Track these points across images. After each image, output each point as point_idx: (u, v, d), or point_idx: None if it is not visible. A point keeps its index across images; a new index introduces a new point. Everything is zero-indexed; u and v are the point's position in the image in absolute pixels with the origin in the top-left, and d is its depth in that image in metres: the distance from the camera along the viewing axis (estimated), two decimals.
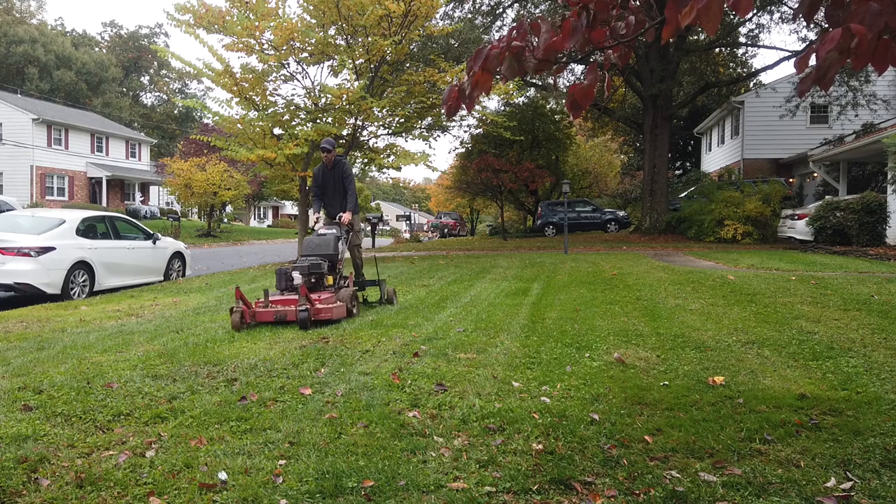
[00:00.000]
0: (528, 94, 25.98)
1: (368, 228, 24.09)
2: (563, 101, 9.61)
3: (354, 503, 2.52)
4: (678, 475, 2.71)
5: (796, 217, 17.92)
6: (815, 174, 21.53)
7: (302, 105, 15.27)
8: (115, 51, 63.37)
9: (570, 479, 2.69)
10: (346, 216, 7.43)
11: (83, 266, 9.89)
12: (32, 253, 9.18)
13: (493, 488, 2.63)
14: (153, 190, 44.29)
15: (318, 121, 14.53)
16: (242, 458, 2.93)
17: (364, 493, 2.59)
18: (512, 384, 4.10)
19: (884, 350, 4.90)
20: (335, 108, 14.18)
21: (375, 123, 15.87)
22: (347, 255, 7.69)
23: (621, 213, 28.77)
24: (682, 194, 25.37)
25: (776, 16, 21.55)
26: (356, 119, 14.87)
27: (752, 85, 27.10)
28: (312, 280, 6.63)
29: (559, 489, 2.63)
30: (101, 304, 8.67)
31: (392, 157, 16.49)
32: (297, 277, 6.48)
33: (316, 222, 7.56)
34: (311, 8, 13.99)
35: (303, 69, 15.26)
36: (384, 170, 23.58)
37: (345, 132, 14.96)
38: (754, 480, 2.65)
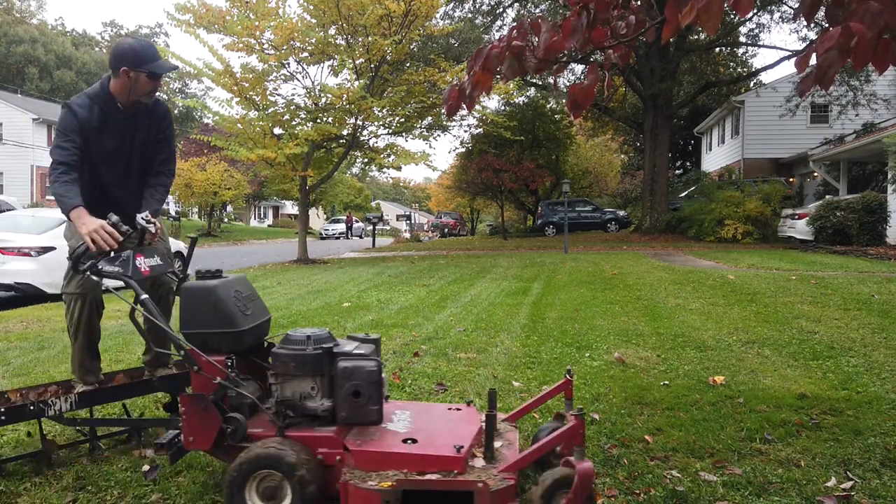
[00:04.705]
0: (528, 94, 26.00)
1: (369, 228, 23.93)
2: (564, 100, 9.60)
3: None
4: (678, 475, 2.71)
5: (796, 217, 17.92)
6: (816, 174, 21.52)
7: (302, 105, 15.28)
8: None
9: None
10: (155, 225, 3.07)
11: None
12: (33, 253, 9.17)
13: None
14: None
15: (319, 120, 14.54)
16: None
17: None
18: (512, 384, 4.10)
19: (884, 350, 4.89)
20: (335, 108, 14.19)
21: (375, 123, 15.88)
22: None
23: (621, 213, 28.78)
24: (683, 194, 25.38)
25: (776, 15, 21.57)
26: (356, 119, 14.88)
27: (752, 84, 27.11)
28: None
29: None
30: None
31: (392, 156, 16.51)
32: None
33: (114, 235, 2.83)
34: (311, 8, 14.00)
35: (303, 69, 15.27)
36: (384, 169, 23.57)
37: (345, 132, 14.97)
38: (754, 480, 2.65)
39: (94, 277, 2.67)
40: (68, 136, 3.02)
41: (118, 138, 3.17)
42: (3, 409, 2.63)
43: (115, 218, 2.84)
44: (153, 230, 3.01)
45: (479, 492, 2.20)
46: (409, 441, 2.43)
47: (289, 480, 2.25)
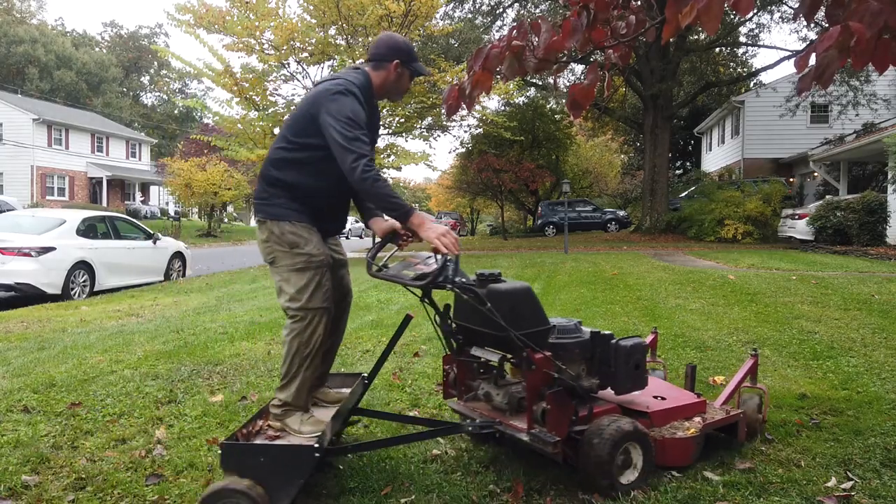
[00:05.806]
0: (528, 94, 26.01)
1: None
2: (564, 100, 9.59)
3: (355, 503, 2.52)
4: (679, 474, 2.71)
5: (797, 217, 17.93)
6: (816, 174, 21.52)
7: None
8: (116, 51, 63.32)
9: (571, 479, 2.69)
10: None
11: (83, 266, 9.89)
12: (33, 253, 9.18)
13: (495, 488, 2.63)
14: (153, 190, 44.29)
15: None
16: None
17: (364, 492, 2.59)
18: None
19: (884, 350, 4.89)
20: None
21: None
22: None
23: (621, 213, 28.79)
24: (683, 194, 25.39)
25: (776, 15, 21.59)
26: None
27: (752, 84, 27.12)
28: None
29: (560, 488, 2.63)
30: (101, 304, 8.67)
31: (392, 156, 16.51)
32: None
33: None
34: (312, 8, 14.00)
35: (303, 69, 15.27)
36: (384, 170, 23.59)
37: None
38: (755, 480, 2.65)
39: (456, 290, 2.72)
40: (363, 129, 2.57)
41: (371, 136, 2.76)
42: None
43: (450, 221, 2.60)
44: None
45: (741, 420, 2.98)
46: (658, 398, 2.95)
47: (642, 447, 2.60)
